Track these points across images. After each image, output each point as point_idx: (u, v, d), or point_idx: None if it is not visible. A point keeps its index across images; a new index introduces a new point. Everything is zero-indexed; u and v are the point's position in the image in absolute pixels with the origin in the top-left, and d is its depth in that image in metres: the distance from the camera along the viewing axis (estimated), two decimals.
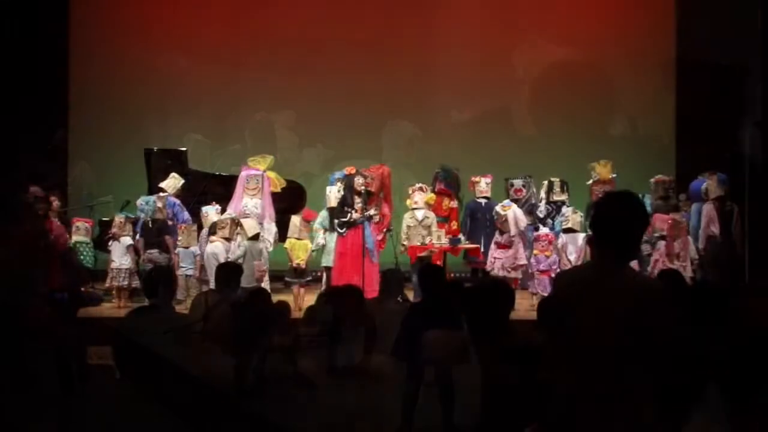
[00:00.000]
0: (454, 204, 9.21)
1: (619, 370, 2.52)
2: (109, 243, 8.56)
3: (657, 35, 11.55)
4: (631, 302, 2.54)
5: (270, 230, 8.72)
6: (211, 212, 8.69)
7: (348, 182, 8.68)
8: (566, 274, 2.90)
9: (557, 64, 11.52)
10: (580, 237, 8.33)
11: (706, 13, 11.00)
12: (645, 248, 8.07)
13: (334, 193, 8.70)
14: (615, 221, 2.65)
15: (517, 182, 9.14)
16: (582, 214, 8.49)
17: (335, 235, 8.58)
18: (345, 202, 8.56)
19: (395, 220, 9.08)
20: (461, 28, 11.60)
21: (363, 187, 8.61)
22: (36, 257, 7.58)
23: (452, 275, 9.03)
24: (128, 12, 11.87)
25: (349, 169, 8.81)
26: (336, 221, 8.57)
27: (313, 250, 8.62)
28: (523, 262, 8.31)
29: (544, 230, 8.47)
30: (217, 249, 8.24)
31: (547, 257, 8.24)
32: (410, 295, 7.75)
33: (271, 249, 8.62)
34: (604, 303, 2.55)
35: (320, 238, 8.66)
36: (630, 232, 2.68)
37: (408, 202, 8.86)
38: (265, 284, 8.15)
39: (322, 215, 8.75)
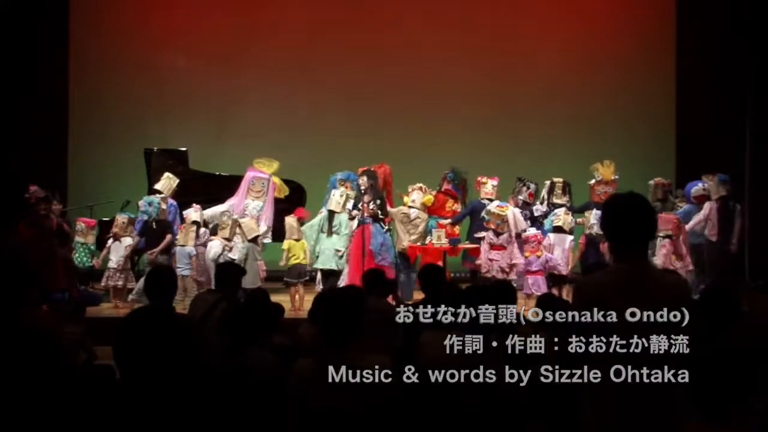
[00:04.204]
0: (458, 207, 9.20)
1: (658, 366, 2.58)
2: (108, 242, 8.55)
3: (658, 35, 11.58)
4: (671, 298, 2.63)
5: (261, 230, 8.66)
6: (190, 213, 8.63)
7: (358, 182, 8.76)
8: (589, 281, 2.89)
9: (560, 65, 11.54)
10: (568, 239, 8.35)
11: (706, 12, 11.02)
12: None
13: (336, 197, 8.72)
14: (631, 220, 2.69)
15: (532, 186, 9.10)
16: (573, 218, 8.50)
17: (332, 238, 8.58)
18: (356, 201, 8.58)
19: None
20: (463, 29, 11.62)
21: (360, 187, 8.62)
22: (37, 257, 7.60)
23: (451, 276, 9.02)
24: (128, 12, 11.88)
25: (361, 170, 8.85)
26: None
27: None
28: (518, 261, 8.29)
29: (531, 230, 8.43)
30: (214, 247, 8.24)
31: (538, 257, 8.24)
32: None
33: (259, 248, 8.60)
34: (646, 302, 2.60)
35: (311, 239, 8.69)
36: (651, 228, 2.76)
37: (405, 199, 8.88)
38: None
39: (321, 217, 8.74)
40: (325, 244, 8.60)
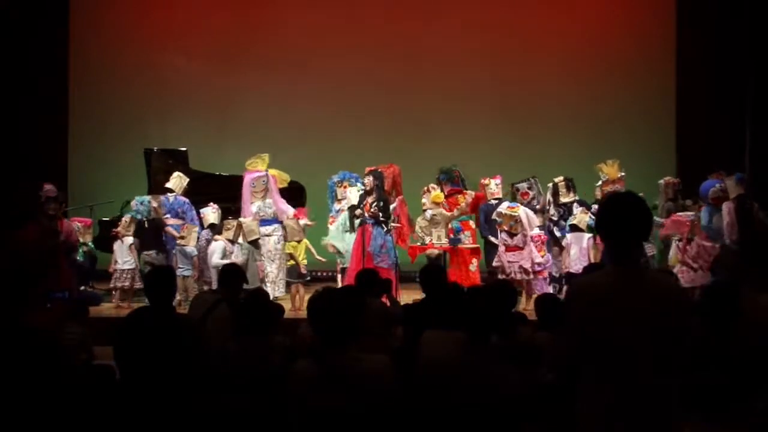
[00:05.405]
0: (470, 197, 9.13)
1: (653, 368, 2.55)
2: (114, 242, 8.54)
3: (658, 35, 11.59)
4: (662, 301, 2.59)
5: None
6: (208, 213, 8.66)
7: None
8: (584, 282, 2.86)
9: (560, 64, 11.54)
10: (585, 237, 8.25)
11: (706, 12, 11.02)
12: (649, 249, 7.99)
13: (354, 193, 8.73)
14: (628, 220, 2.66)
15: (522, 186, 9.04)
16: (591, 215, 8.40)
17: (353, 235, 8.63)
18: (360, 201, 8.60)
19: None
20: (463, 29, 11.62)
21: (364, 187, 8.63)
22: (46, 257, 7.59)
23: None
24: (128, 12, 11.90)
25: (367, 169, 8.86)
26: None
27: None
28: (540, 260, 8.18)
29: (535, 231, 8.39)
30: (216, 248, 8.25)
31: (542, 257, 8.20)
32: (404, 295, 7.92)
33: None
34: (637, 305, 2.57)
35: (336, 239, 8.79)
36: (645, 230, 2.72)
37: (424, 200, 8.92)
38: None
39: (343, 216, 8.80)
40: (349, 241, 8.62)
